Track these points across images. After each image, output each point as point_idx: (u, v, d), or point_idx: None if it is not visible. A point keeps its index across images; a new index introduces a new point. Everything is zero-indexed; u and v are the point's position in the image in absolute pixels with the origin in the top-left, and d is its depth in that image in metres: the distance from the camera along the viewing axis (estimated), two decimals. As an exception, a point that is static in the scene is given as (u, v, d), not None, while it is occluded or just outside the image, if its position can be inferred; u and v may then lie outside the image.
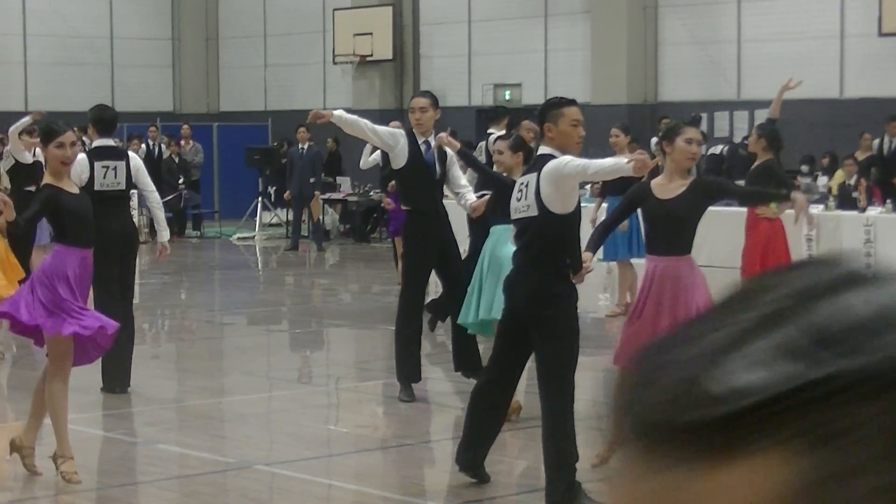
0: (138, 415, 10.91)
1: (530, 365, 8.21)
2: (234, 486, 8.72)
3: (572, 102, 8.10)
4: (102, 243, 11.44)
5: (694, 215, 8.47)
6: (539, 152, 8.16)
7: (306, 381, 13.03)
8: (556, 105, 8.07)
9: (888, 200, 21.12)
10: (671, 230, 8.41)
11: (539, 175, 7.81)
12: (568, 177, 7.74)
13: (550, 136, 7.93)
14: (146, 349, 14.95)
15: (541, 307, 7.82)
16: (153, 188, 12.10)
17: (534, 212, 7.81)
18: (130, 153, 12.22)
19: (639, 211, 9.11)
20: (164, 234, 12.19)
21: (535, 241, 7.83)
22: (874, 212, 20.56)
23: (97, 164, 11.36)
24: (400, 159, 10.94)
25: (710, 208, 8.64)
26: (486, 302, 9.80)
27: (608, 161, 8.10)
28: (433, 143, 10.99)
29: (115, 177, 11.40)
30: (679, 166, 8.51)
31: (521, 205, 7.92)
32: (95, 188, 11.22)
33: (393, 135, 11.07)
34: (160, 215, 12.16)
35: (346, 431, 10.54)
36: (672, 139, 8.46)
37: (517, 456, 9.70)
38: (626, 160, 7.88)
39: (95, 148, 11.62)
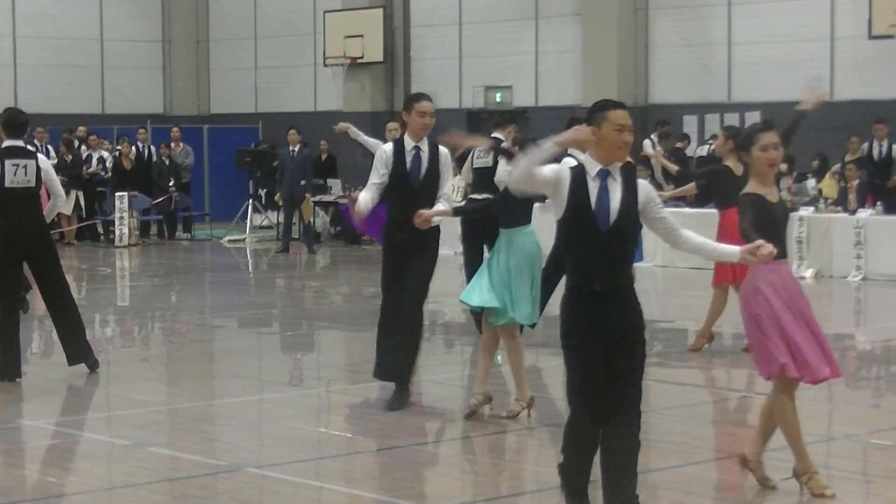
0: (128, 417, 10.88)
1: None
2: (225, 489, 8.70)
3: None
4: (5, 241, 11.89)
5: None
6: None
7: (297, 384, 13.00)
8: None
9: (878, 203, 21.16)
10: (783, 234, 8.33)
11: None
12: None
13: None
14: (136, 352, 14.93)
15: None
16: (61, 192, 12.70)
17: None
18: (40, 156, 12.71)
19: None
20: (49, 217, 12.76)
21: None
22: (864, 214, 20.60)
23: (7, 162, 12.07)
24: None
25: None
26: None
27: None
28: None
29: (25, 174, 12.12)
30: (762, 174, 8.34)
31: None
32: (6, 185, 12.05)
33: None
34: (53, 212, 12.74)
35: (337, 434, 10.51)
36: (748, 149, 8.37)
37: (508, 458, 9.68)
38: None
39: (6, 148, 12.23)
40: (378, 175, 10.94)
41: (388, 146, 11.12)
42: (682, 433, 10.11)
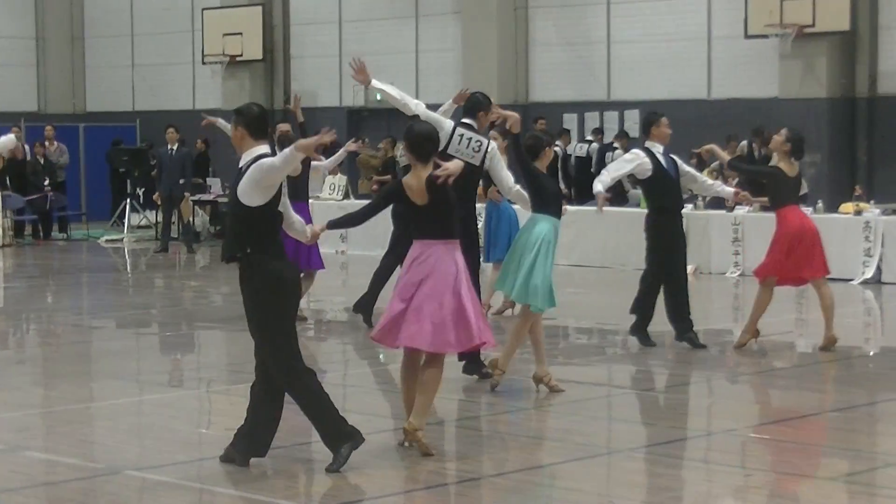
0: (2, 421, 10.66)
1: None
2: (104, 492, 8.56)
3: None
4: None
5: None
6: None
7: (177, 385, 12.85)
8: None
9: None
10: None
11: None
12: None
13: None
14: (10, 354, 14.66)
15: None
16: None
17: None
18: None
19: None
20: None
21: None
22: (742, 211, 20.84)
23: None
24: None
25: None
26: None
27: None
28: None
29: None
30: None
31: None
32: None
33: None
34: None
35: (218, 434, 10.37)
36: None
37: (394, 457, 9.62)
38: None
39: None
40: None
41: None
42: (566, 430, 10.13)
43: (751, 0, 24.39)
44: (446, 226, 9.26)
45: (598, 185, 13.40)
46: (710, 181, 14.35)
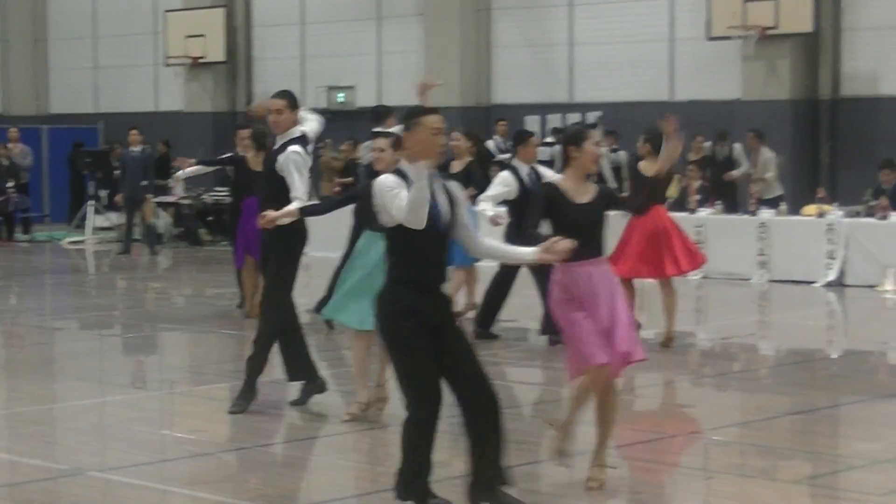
0: (-35, 423, 10.64)
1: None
2: (67, 493, 8.55)
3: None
4: None
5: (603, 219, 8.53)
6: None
7: (140, 386, 12.82)
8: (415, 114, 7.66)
9: (718, 201, 21.49)
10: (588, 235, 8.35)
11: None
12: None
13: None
14: (-27, 356, 14.59)
15: None
16: None
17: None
18: None
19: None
20: None
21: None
22: (705, 212, 20.91)
23: None
24: None
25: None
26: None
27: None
28: None
29: None
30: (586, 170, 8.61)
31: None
32: None
33: None
34: None
35: (180, 436, 10.38)
36: (580, 145, 8.54)
37: (354, 458, 9.64)
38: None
39: None
40: None
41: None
42: (524, 432, 10.16)
43: (714, 2, 24.47)
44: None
45: (488, 210, 13.62)
46: None
